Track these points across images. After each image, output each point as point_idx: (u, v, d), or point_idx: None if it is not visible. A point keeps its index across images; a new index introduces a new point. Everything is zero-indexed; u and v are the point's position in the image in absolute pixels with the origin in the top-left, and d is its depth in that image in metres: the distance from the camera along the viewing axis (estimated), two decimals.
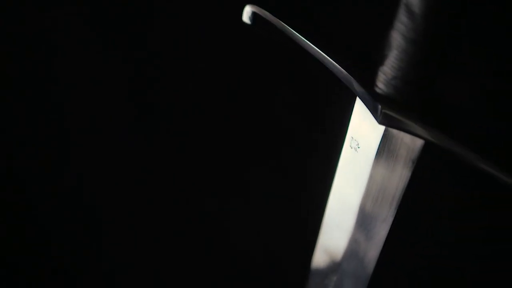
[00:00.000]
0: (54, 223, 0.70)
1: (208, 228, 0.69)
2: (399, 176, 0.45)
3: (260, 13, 0.50)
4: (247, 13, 0.52)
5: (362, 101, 0.43)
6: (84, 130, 0.67)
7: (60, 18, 0.61)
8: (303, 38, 0.46)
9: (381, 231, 0.48)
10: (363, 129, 0.45)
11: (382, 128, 0.43)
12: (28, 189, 0.70)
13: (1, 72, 0.65)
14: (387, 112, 0.40)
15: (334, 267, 0.52)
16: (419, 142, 0.43)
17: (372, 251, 0.50)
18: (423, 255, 0.58)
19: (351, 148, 0.46)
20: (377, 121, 0.41)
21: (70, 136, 0.67)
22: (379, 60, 0.41)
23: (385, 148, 0.44)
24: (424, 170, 0.45)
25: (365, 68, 0.43)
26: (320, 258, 0.54)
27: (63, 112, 0.66)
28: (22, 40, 0.63)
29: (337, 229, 0.51)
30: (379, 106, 0.41)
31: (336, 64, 0.44)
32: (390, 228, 0.48)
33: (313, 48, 0.45)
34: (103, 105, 0.65)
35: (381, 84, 0.41)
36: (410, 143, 0.43)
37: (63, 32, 0.62)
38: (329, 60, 0.44)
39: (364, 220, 0.48)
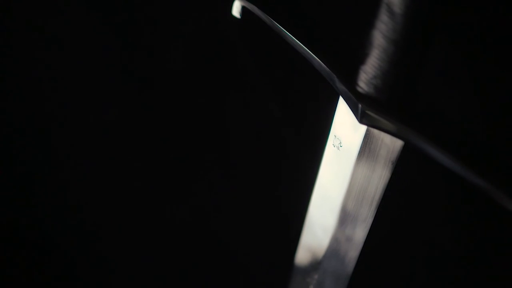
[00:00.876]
0: (54, 223, 0.71)
1: (196, 226, 0.69)
2: (379, 177, 0.45)
3: (249, 8, 0.50)
4: (236, 8, 0.52)
5: (344, 100, 0.43)
6: (83, 130, 0.67)
7: (60, 16, 0.62)
8: (290, 35, 0.46)
9: (361, 231, 0.48)
10: (346, 128, 0.44)
11: (364, 127, 0.42)
12: (28, 189, 0.70)
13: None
14: (368, 112, 0.40)
15: (316, 266, 0.52)
16: (398, 143, 0.43)
17: (353, 251, 0.50)
18: (402, 255, 0.58)
19: (334, 146, 0.46)
20: (358, 120, 0.41)
21: (69, 136, 0.67)
22: (361, 59, 0.41)
23: (366, 148, 0.43)
24: (403, 171, 0.45)
25: (349, 66, 0.43)
26: (302, 256, 0.54)
27: (62, 112, 0.66)
28: (21, 36, 0.63)
29: (319, 228, 0.50)
30: (360, 106, 0.41)
31: (320, 62, 0.44)
32: (370, 228, 0.48)
33: (299, 44, 0.45)
34: (102, 105, 0.65)
35: (363, 83, 0.41)
36: (390, 144, 0.43)
37: (63, 32, 0.62)
38: (314, 57, 0.44)
39: (345, 219, 0.48)
